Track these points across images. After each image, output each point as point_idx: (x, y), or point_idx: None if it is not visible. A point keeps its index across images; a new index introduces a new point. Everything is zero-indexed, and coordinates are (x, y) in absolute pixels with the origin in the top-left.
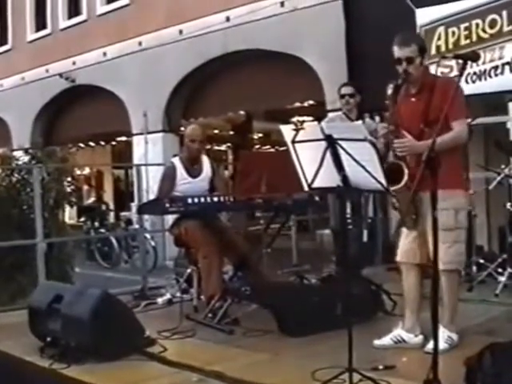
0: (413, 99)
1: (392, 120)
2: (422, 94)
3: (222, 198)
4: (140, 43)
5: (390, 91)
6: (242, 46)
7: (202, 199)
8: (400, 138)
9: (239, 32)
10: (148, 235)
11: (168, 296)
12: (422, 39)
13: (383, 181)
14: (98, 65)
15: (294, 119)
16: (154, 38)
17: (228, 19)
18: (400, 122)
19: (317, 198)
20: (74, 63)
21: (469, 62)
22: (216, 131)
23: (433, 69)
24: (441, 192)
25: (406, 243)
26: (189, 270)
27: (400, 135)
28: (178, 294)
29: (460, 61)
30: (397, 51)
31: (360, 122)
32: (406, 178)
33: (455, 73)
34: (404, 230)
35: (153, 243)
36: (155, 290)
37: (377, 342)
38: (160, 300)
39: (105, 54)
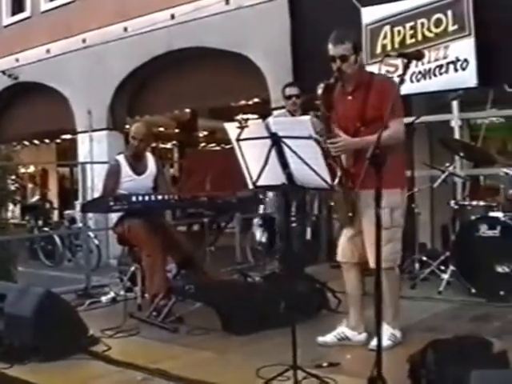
0: (349, 97)
1: (323, 120)
2: (358, 93)
3: (166, 196)
4: (84, 40)
5: (320, 91)
6: (186, 44)
7: (147, 197)
8: (333, 137)
9: (184, 30)
10: (92, 234)
11: (112, 294)
12: (357, 36)
13: (328, 178)
14: (41, 62)
15: (239, 117)
16: (99, 35)
17: (173, 17)
18: (337, 120)
19: (261, 196)
20: (17, 60)
21: (413, 61)
22: (161, 129)
23: (377, 67)
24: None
25: (344, 242)
26: (132, 269)
27: (332, 135)
28: (122, 293)
29: (404, 59)
30: (331, 49)
31: (308, 117)
32: (337, 177)
33: (400, 72)
34: (343, 230)
35: (96, 242)
36: (99, 288)
37: (320, 339)
38: (104, 298)
39: (48, 50)
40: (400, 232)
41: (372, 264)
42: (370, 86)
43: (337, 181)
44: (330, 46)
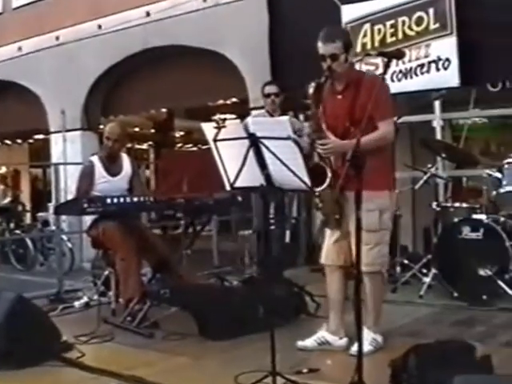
0: (338, 97)
1: (314, 120)
2: (348, 92)
3: (141, 198)
4: (57, 38)
5: (311, 90)
6: (162, 42)
7: (122, 199)
8: (323, 138)
9: (160, 27)
10: (65, 237)
11: (85, 299)
12: (348, 35)
13: (307, 180)
14: (13, 60)
15: (216, 117)
16: (72, 32)
17: (148, 14)
18: (325, 120)
19: (239, 198)
20: None
21: (393, 60)
22: (137, 129)
23: (357, 66)
24: (366, 193)
25: (329, 244)
26: (106, 273)
27: (323, 135)
28: (96, 297)
29: (384, 58)
30: (321, 47)
31: (287, 117)
32: (328, 179)
33: (381, 71)
34: (328, 231)
35: (70, 245)
36: (72, 293)
37: (300, 343)
38: (77, 303)
39: (20, 48)
40: (388, 235)
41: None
42: (359, 85)
43: (327, 182)
44: (320, 45)
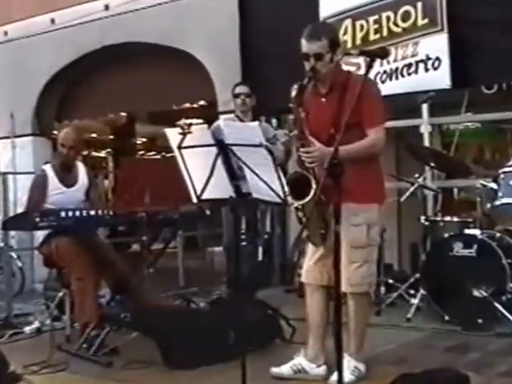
0: (322, 100)
1: (297, 125)
2: (332, 95)
3: (99, 212)
4: (6, 33)
5: (293, 93)
6: (122, 39)
7: (77, 212)
8: (307, 145)
9: (119, 22)
10: (14, 254)
11: (37, 324)
12: (335, 32)
13: (280, 191)
14: None
15: (182, 122)
16: (22, 27)
17: (107, 8)
18: (308, 126)
19: (207, 212)
20: None
21: (377, 60)
22: (94, 135)
23: None
24: (353, 206)
25: (311, 262)
26: (60, 294)
27: (306, 142)
28: (48, 322)
29: (367, 58)
30: (304, 45)
31: (256, 123)
32: (313, 191)
33: (363, 71)
34: (310, 248)
35: (20, 263)
36: (22, 317)
37: (275, 370)
38: (27, 329)
39: None
40: (376, 251)
41: (345, 288)
42: (346, 87)
43: (311, 194)
44: (304, 42)
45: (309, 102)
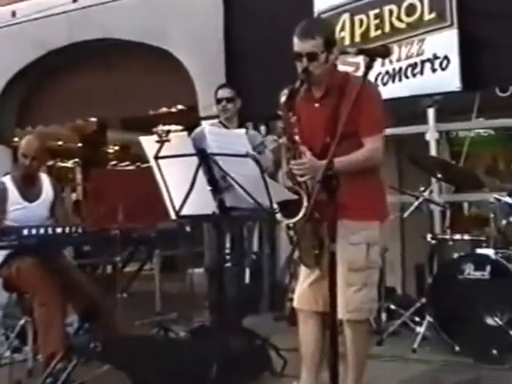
0: (316, 105)
1: (287, 134)
2: (328, 99)
3: (67, 229)
4: None
5: (283, 98)
6: (93, 35)
7: (41, 230)
8: (298, 156)
9: (89, 16)
10: None
11: None
12: (332, 30)
13: (268, 204)
14: None
15: (159, 128)
16: None
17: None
18: (302, 134)
19: (187, 229)
20: None
21: (378, 59)
22: (60, 143)
23: None
24: (352, 223)
25: (304, 285)
26: (22, 322)
27: (297, 153)
28: (8, 354)
29: (366, 57)
30: (297, 44)
31: (243, 130)
32: (304, 208)
33: (362, 72)
34: (303, 270)
35: None
36: None
37: None
38: None
39: None
40: (377, 274)
41: (342, 315)
42: (343, 90)
43: (303, 212)
44: (296, 41)
45: (301, 108)
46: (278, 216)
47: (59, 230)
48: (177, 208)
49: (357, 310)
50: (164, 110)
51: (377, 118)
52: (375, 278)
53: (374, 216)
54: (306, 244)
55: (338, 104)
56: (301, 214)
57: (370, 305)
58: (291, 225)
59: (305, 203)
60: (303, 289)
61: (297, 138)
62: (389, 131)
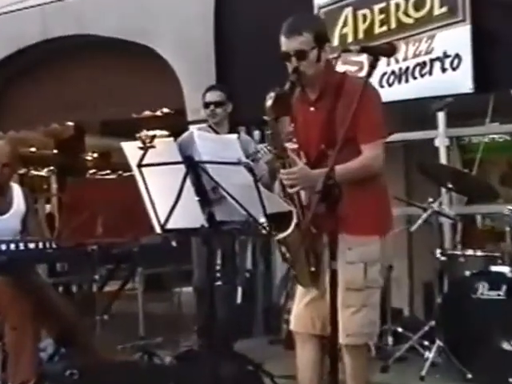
0: (311, 109)
1: (275, 141)
2: (323, 102)
3: (40, 244)
4: None
5: (269, 102)
6: (70, 30)
7: (12, 245)
8: (288, 165)
9: (67, 10)
10: None
11: None
12: (322, 24)
13: (263, 219)
14: None
15: (142, 133)
16: None
17: None
18: (298, 139)
19: (174, 244)
20: None
21: (382, 58)
22: (33, 150)
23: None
24: (348, 238)
25: (300, 306)
26: None
27: (287, 162)
28: None
29: (370, 56)
30: (284, 43)
31: (235, 135)
32: (293, 222)
33: (365, 72)
34: (299, 289)
35: None
36: None
37: None
38: None
39: None
40: (378, 294)
41: (342, 339)
42: (339, 92)
43: (292, 226)
44: (283, 39)
45: (297, 110)
46: (266, 230)
47: (32, 246)
48: (162, 221)
49: (355, 333)
50: (148, 113)
51: (376, 123)
52: (375, 299)
53: (373, 230)
54: (301, 261)
55: (334, 107)
56: (290, 229)
57: (370, 328)
58: (282, 240)
59: (295, 216)
60: (299, 309)
61: (287, 144)
62: (395, 137)
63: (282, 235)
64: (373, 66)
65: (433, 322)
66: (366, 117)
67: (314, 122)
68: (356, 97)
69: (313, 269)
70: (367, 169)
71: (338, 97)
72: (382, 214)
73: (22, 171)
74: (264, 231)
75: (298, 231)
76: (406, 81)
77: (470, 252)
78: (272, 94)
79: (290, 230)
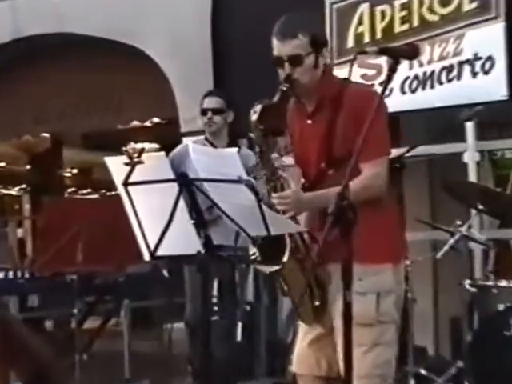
0: (308, 122)
1: (264, 160)
2: (321, 114)
3: (10, 273)
4: None
5: (254, 117)
6: (44, 28)
7: None
8: (280, 188)
9: (39, 6)
10: None
11: None
12: (318, 25)
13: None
14: None
15: (129, 147)
16: None
17: None
18: (294, 156)
19: (165, 273)
20: None
21: (404, 61)
22: (3, 165)
23: (347, 71)
24: (356, 267)
25: (303, 346)
26: None
27: (279, 184)
28: None
29: (390, 58)
30: (276, 46)
31: (235, 149)
32: (288, 251)
33: (384, 77)
34: (302, 326)
35: None
36: None
37: None
38: None
39: None
40: (393, 331)
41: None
42: (339, 103)
43: (287, 255)
44: (275, 42)
45: (294, 123)
46: (256, 263)
47: (0, 276)
48: (151, 247)
49: (367, 375)
50: (136, 123)
51: (377, 138)
52: (390, 336)
53: (386, 257)
54: (302, 294)
55: (333, 119)
56: (285, 257)
57: (384, 369)
58: (277, 272)
59: (287, 245)
60: (302, 349)
61: (285, 159)
62: (418, 151)
63: (272, 269)
64: (393, 70)
65: (461, 363)
66: (367, 131)
67: (312, 136)
68: (363, 110)
69: (317, 303)
70: (368, 189)
71: (338, 108)
72: (393, 238)
73: None
74: (252, 263)
75: (294, 260)
76: (431, 87)
77: (503, 283)
78: (257, 108)
79: (284, 259)
